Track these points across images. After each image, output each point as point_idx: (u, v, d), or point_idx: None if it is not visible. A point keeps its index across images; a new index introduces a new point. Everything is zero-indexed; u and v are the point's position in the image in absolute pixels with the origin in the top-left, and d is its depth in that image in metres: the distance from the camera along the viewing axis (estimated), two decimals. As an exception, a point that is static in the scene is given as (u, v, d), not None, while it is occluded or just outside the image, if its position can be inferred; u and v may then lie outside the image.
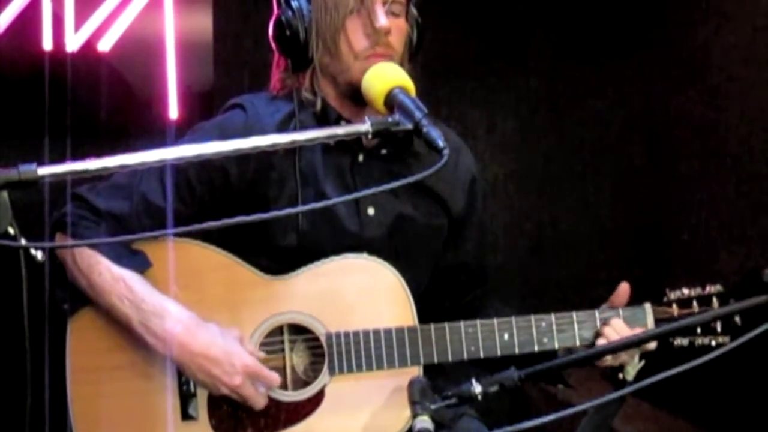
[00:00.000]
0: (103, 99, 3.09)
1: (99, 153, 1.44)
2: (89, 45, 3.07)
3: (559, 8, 3.69)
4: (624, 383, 1.98)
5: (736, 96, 3.38)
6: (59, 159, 1.43)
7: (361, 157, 2.01)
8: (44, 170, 1.38)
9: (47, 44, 2.99)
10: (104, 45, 3.08)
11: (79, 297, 1.94)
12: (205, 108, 3.19)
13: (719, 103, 3.44)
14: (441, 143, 1.57)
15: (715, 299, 2.01)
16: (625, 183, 3.79)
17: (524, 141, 3.75)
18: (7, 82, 2.99)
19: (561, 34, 3.72)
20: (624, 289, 2.01)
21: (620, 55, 3.74)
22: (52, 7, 2.99)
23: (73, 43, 3.03)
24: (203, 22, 3.23)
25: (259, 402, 1.89)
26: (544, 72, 3.74)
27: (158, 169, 1.93)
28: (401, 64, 1.94)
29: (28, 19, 2.98)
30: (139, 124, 3.11)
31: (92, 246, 1.91)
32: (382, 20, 1.91)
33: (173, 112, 3.09)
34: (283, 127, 1.98)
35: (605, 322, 1.96)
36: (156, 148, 1.46)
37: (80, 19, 3.05)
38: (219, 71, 3.24)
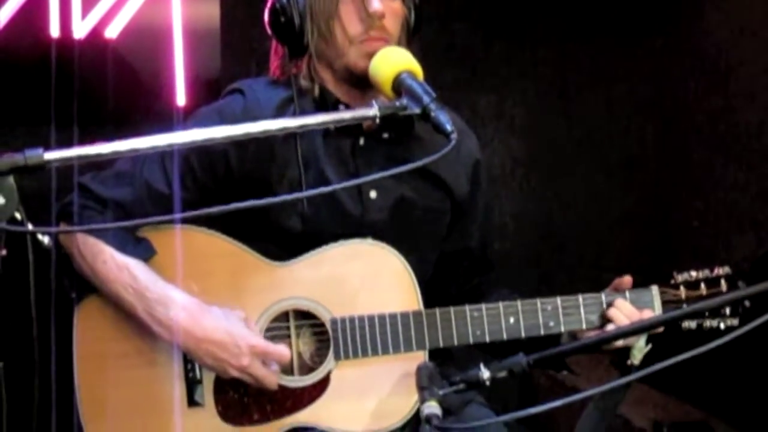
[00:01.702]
0: (110, 86, 3.08)
1: (106, 140, 1.44)
2: (96, 32, 3.06)
3: (568, -7, 3.68)
4: (631, 369, 1.97)
5: (747, 82, 3.36)
6: (66, 146, 1.42)
7: (362, 141, 2.01)
8: (51, 155, 1.38)
9: (54, 31, 2.99)
10: (111, 32, 3.07)
11: (85, 285, 1.94)
12: (213, 95, 3.18)
13: (730, 89, 3.42)
14: (449, 127, 1.58)
15: (723, 281, 2.00)
16: (635, 169, 3.78)
17: (533, 127, 3.74)
18: (14, 70, 2.99)
19: (570, 20, 3.70)
20: (627, 280, 2.00)
21: (630, 40, 3.72)
22: (59, -7, 3.00)
23: (80, 30, 3.03)
24: (210, 9, 3.23)
25: (272, 380, 1.89)
26: (554, 58, 3.72)
27: (160, 156, 1.93)
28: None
29: (36, 6, 2.98)
30: (146, 111, 3.11)
31: (97, 234, 1.91)
32: (376, 4, 1.91)
33: (180, 99, 3.10)
34: (281, 112, 1.98)
35: (611, 303, 1.95)
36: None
37: (87, 6, 3.05)
38: (226, 58, 3.24)
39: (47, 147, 1.40)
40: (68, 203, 1.96)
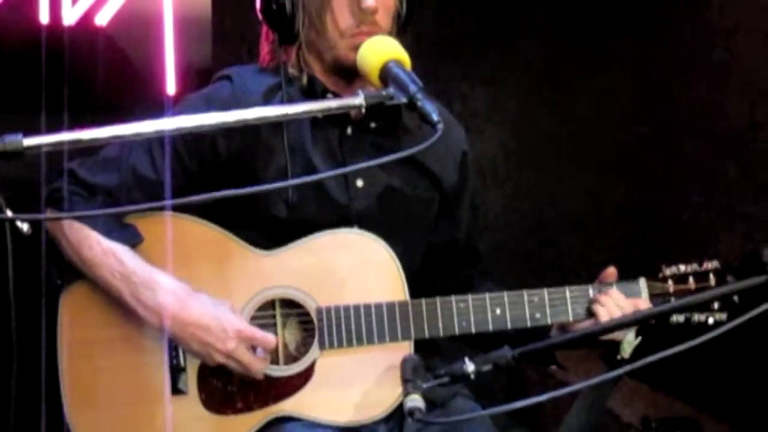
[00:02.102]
0: (100, 73, 3.06)
1: (96, 127, 1.43)
2: (86, 19, 3.04)
3: (562, -15, 3.67)
4: (620, 363, 1.96)
5: (740, 75, 3.35)
6: (54, 133, 1.41)
7: (349, 130, 2.01)
8: (30, 141, 1.37)
9: (44, 18, 2.97)
10: (102, 19, 3.05)
11: (70, 271, 1.93)
12: (203, 83, 3.15)
13: (722, 82, 3.41)
14: (435, 117, 1.56)
15: (711, 275, 2.00)
16: (627, 162, 3.77)
17: (525, 119, 3.72)
18: (3, 56, 2.97)
19: (563, 12, 3.69)
20: (611, 272, 2.00)
21: (623, 32, 3.71)
22: (50, -20, 2.97)
23: (70, 16, 3.00)
24: (202, -5, 3.21)
25: (259, 366, 1.88)
26: (547, 50, 3.71)
27: (147, 142, 1.93)
28: None
29: (25, -8, 2.96)
30: (136, 98, 3.08)
31: (83, 219, 1.91)
32: (369, 0, 1.90)
33: (171, 87, 3.08)
34: (268, 98, 1.98)
35: (599, 291, 1.95)
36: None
37: (77, -8, 3.02)
38: (217, 46, 3.22)
39: (38, 133, 1.39)
40: (55, 189, 1.96)
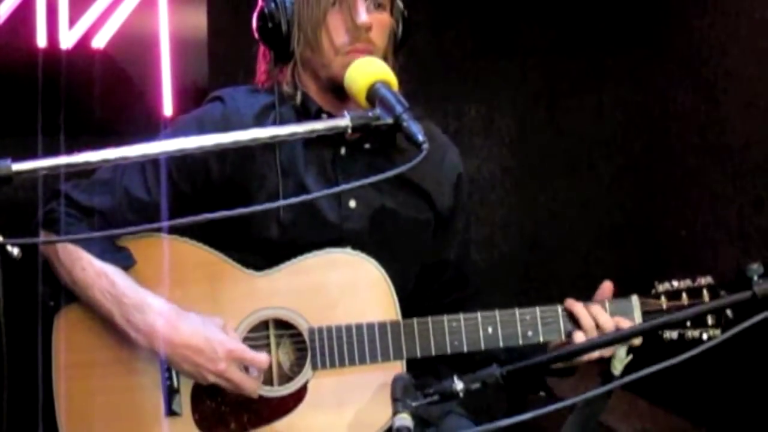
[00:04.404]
0: (97, 96, 3.07)
1: (93, 150, 1.43)
2: (84, 42, 3.05)
3: (556, 3, 3.67)
4: (611, 378, 1.96)
5: (735, 90, 3.35)
6: (52, 155, 1.43)
7: (343, 151, 2.01)
8: (19, 166, 1.38)
9: (41, 41, 2.98)
10: (99, 42, 3.07)
11: (63, 293, 1.94)
12: (200, 105, 3.19)
13: (717, 98, 3.42)
14: (420, 138, 1.55)
15: (705, 291, 2.00)
16: (623, 179, 3.77)
17: (521, 137, 3.73)
18: (0, 79, 2.99)
19: (558, 30, 3.70)
20: (607, 286, 2.00)
21: (618, 50, 3.72)
22: (46, 3, 2.99)
23: (67, 39, 3.02)
24: (198, 18, 3.21)
25: (251, 385, 1.88)
26: (542, 68, 3.71)
27: (140, 164, 1.94)
28: (385, 58, 1.94)
29: (23, 15, 2.97)
30: (133, 121, 3.09)
31: (77, 241, 1.92)
32: (363, 16, 1.91)
33: (168, 109, 3.08)
34: (261, 119, 1.99)
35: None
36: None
37: (75, 16, 3.03)
38: (214, 68, 3.23)
39: (35, 155, 1.40)
40: (49, 210, 1.97)
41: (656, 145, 3.72)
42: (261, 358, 1.88)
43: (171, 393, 1.91)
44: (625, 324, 1.94)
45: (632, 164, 3.76)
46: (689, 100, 3.57)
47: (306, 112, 2.00)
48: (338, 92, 1.94)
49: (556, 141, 3.74)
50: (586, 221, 3.76)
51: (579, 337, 1.92)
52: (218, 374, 1.86)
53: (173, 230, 1.97)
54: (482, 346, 1.94)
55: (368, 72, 1.70)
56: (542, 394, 2.07)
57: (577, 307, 1.94)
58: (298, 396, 1.92)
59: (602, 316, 1.94)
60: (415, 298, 2.08)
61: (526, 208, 3.74)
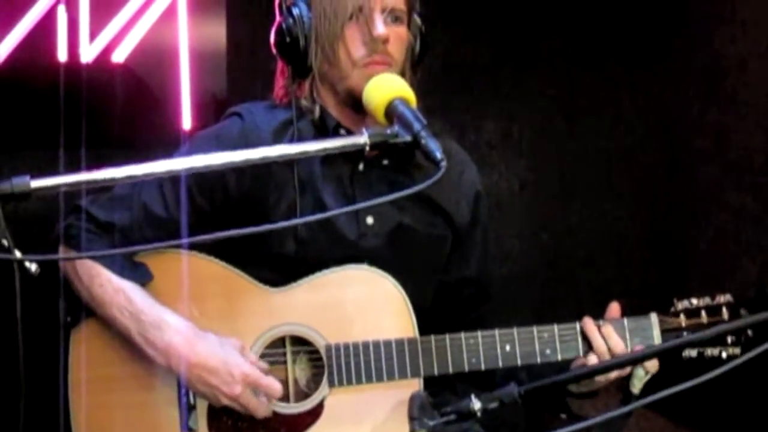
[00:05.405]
0: (118, 109, 3.09)
1: (113, 164, 1.44)
2: (104, 55, 3.07)
3: (574, 15, 3.66)
4: (630, 396, 1.95)
5: (755, 103, 3.33)
6: (74, 170, 1.43)
7: (361, 167, 2.01)
8: (37, 183, 1.39)
9: (62, 55, 3.01)
10: (119, 56, 3.09)
11: (81, 309, 1.95)
12: (219, 118, 3.21)
13: (737, 110, 3.40)
14: (438, 155, 1.54)
15: (724, 309, 1.97)
16: (642, 192, 3.75)
17: (540, 150, 3.72)
18: (22, 94, 3.00)
19: (576, 42, 3.69)
20: (614, 308, 1.98)
21: (637, 62, 3.71)
22: (67, 18, 3.01)
23: (87, 53, 3.04)
24: (217, 31, 3.23)
25: (261, 411, 1.88)
26: (560, 80, 3.71)
27: (158, 179, 1.94)
28: (402, 73, 1.94)
29: (43, 30, 3.00)
30: (153, 134, 3.11)
31: (94, 258, 1.92)
32: (380, 28, 1.90)
33: (186, 121, 3.10)
34: (279, 135, 1.98)
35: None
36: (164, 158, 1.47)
37: (95, 30, 3.05)
38: (233, 81, 3.24)
39: (56, 171, 1.41)
40: (68, 226, 1.97)
41: (676, 157, 3.71)
42: (275, 386, 1.87)
43: (187, 409, 1.91)
44: (637, 347, 1.92)
45: (651, 178, 3.74)
46: (709, 112, 3.55)
47: (324, 127, 1.99)
48: (356, 106, 1.92)
49: (575, 154, 3.73)
50: (605, 234, 3.74)
51: (592, 360, 1.91)
52: (233, 398, 1.86)
53: (190, 246, 1.97)
54: (500, 364, 1.92)
55: (386, 89, 1.70)
56: (563, 416, 2.04)
57: (590, 328, 1.92)
58: (315, 413, 1.91)
59: (612, 339, 1.91)
60: (437, 315, 2.07)
61: (544, 222, 3.73)
